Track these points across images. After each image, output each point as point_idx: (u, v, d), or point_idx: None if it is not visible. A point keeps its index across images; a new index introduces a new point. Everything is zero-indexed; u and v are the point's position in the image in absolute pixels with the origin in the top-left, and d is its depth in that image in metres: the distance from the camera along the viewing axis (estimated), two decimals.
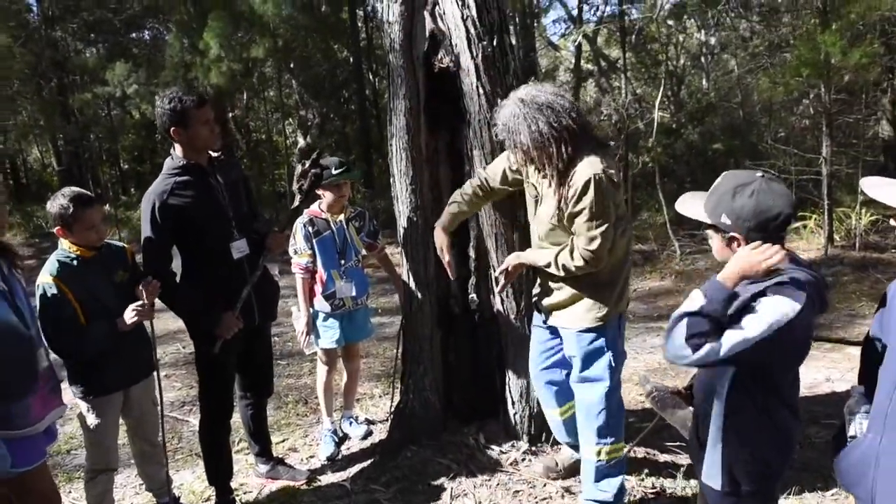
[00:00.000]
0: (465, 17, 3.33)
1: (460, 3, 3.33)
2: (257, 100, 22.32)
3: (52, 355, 2.74)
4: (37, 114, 15.76)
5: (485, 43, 3.33)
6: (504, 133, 2.82)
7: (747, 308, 1.92)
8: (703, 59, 17.53)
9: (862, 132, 9.70)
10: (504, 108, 2.82)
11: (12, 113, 16.17)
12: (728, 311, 1.93)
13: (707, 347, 1.87)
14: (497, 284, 3.33)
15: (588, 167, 2.70)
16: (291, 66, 17.11)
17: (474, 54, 3.34)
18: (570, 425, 3.36)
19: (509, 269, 3.14)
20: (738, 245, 2.01)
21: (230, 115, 18.38)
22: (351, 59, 18.52)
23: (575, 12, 17.69)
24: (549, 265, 2.92)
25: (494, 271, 3.56)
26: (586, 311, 2.96)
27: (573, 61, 19.39)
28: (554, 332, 3.21)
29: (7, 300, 2.35)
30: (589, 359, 3.03)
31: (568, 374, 3.22)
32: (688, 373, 2.45)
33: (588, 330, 2.98)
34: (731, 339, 1.87)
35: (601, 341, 3.00)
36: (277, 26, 11.28)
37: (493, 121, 3.34)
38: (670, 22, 15.58)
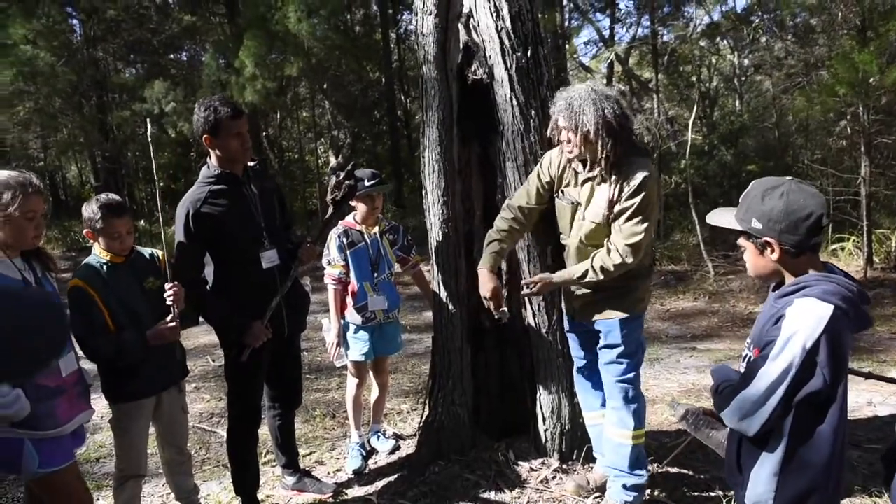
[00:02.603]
0: (499, 28, 3.33)
1: (495, 15, 3.33)
2: (290, 119, 22.67)
3: (83, 361, 2.76)
4: (76, 131, 16.13)
5: (519, 54, 3.33)
6: (565, 111, 2.84)
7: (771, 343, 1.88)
8: (736, 81, 17.40)
9: None
10: (569, 90, 2.89)
11: (54, 130, 16.59)
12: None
13: (759, 416, 1.87)
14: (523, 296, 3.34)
15: (644, 168, 2.84)
16: (325, 86, 17.38)
17: (508, 65, 3.33)
18: None
19: (535, 287, 3.12)
20: (773, 251, 1.94)
21: (263, 133, 18.68)
22: (383, 80, 18.73)
23: (607, 33, 17.72)
24: (586, 273, 2.95)
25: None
26: (627, 301, 3.07)
27: (605, 82, 19.37)
28: (587, 333, 3.25)
29: None
30: (628, 345, 3.09)
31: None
32: None
33: (629, 319, 3.08)
34: (767, 391, 1.85)
35: (638, 330, 3.13)
36: (312, 46, 11.45)
37: (526, 135, 3.36)
38: (703, 43, 15.53)
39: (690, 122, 9.84)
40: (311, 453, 4.38)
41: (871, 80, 7.56)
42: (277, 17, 10.33)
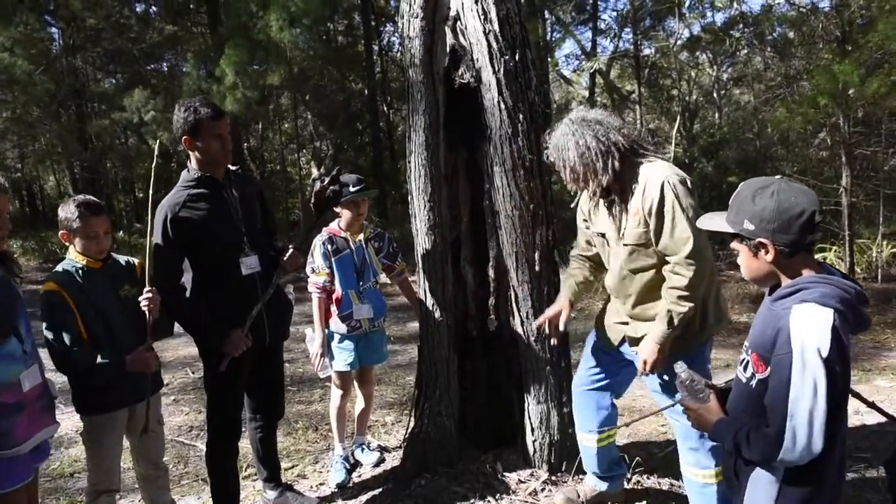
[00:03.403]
0: (487, 31, 3.27)
1: (483, 18, 3.28)
2: (272, 130, 22.54)
3: (48, 372, 2.64)
4: (54, 140, 15.91)
5: (507, 57, 3.28)
6: (554, 154, 2.80)
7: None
8: (715, 94, 17.58)
9: (881, 164, 9.58)
10: (554, 131, 2.83)
11: (31, 139, 16.34)
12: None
13: (815, 438, 1.76)
14: (643, 369, 2.88)
15: (656, 174, 2.67)
16: (307, 97, 17.29)
17: (496, 69, 3.28)
18: (604, 454, 3.24)
19: (653, 361, 2.81)
20: (766, 252, 1.88)
21: (245, 144, 18.54)
22: (366, 91, 18.68)
23: (589, 45, 17.85)
24: (670, 315, 2.69)
25: (513, 291, 3.46)
26: (690, 334, 2.80)
27: (586, 95, 19.49)
28: (619, 358, 3.09)
29: None
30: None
31: (615, 398, 3.17)
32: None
33: (689, 353, 2.74)
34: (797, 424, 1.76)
35: (702, 364, 2.86)
36: (294, 55, 11.38)
37: (514, 139, 3.30)
38: (682, 57, 15.67)
39: (673, 133, 9.88)
40: (293, 466, 4.26)
41: (851, 91, 7.63)
42: (259, 26, 10.26)
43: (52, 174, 22.45)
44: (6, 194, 2.42)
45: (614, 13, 17.55)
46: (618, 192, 2.78)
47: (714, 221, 2.05)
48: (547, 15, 18.09)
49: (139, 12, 16.68)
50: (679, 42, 12.23)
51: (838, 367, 1.74)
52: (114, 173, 19.08)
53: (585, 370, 3.25)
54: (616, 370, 3.16)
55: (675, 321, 2.69)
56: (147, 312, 2.88)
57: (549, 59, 17.58)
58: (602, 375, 3.19)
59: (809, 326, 1.75)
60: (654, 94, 18.36)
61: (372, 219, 14.92)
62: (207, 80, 11.55)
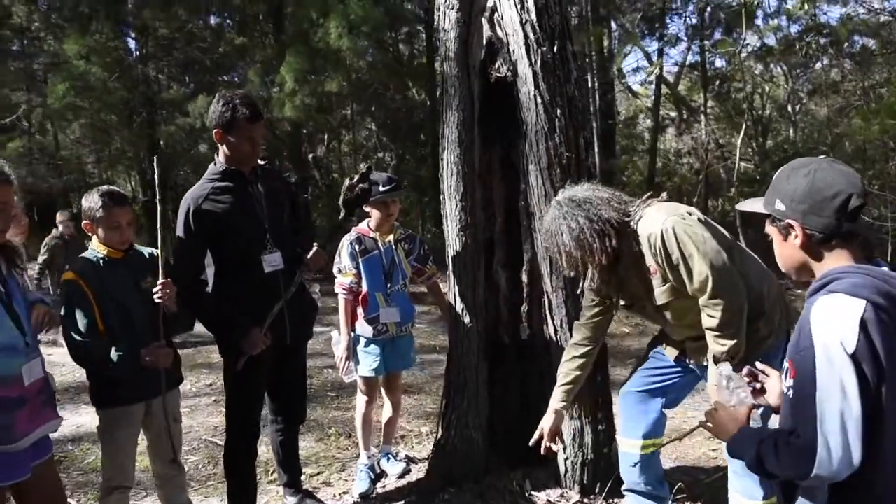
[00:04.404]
0: (524, 21, 3.11)
1: (519, 7, 3.11)
2: (337, 141, 22.85)
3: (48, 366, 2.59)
4: (126, 146, 16.48)
5: (544, 49, 3.10)
6: (548, 240, 2.68)
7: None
8: (790, 108, 16.83)
9: None
10: (545, 216, 2.72)
11: (106, 145, 16.97)
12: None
13: (852, 447, 1.49)
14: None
15: (652, 227, 2.53)
16: (373, 108, 17.41)
17: (533, 61, 3.11)
18: (647, 465, 2.97)
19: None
20: (796, 237, 1.63)
21: (311, 155, 18.83)
22: (428, 102, 18.70)
23: (655, 56, 17.38)
24: (717, 354, 2.51)
25: (547, 297, 3.26)
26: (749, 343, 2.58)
27: (652, 106, 18.98)
28: (678, 365, 2.89)
29: (3, 302, 2.22)
30: None
31: (664, 407, 2.95)
32: None
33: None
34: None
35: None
36: (353, 62, 11.46)
37: (550, 135, 3.12)
38: (756, 70, 15.07)
39: (738, 140, 9.45)
40: (319, 473, 4.14)
41: None
42: (320, 34, 10.36)
43: (128, 179, 23.30)
44: (9, 185, 2.35)
45: (683, 24, 16.98)
46: (628, 261, 2.62)
47: (754, 205, 1.83)
48: (613, 26, 17.76)
49: (213, 25, 17.20)
50: (748, 49, 11.74)
51: (870, 366, 1.46)
52: (184, 178, 19.63)
53: (639, 372, 3.04)
54: (672, 375, 2.93)
55: (725, 359, 2.47)
56: (161, 304, 2.80)
57: (615, 70, 17.16)
58: (656, 378, 2.96)
59: (832, 318, 1.49)
60: (724, 107, 17.75)
61: (431, 228, 14.87)
62: (269, 87, 11.74)
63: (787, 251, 1.69)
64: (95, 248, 2.87)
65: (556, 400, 2.96)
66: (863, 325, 1.46)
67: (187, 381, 6.47)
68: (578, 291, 3.14)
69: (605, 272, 2.65)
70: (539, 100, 3.11)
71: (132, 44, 16.17)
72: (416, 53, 19.26)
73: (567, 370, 2.95)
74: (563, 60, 3.15)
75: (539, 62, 3.10)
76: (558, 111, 3.11)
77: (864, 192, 1.59)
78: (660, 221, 2.52)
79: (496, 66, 3.28)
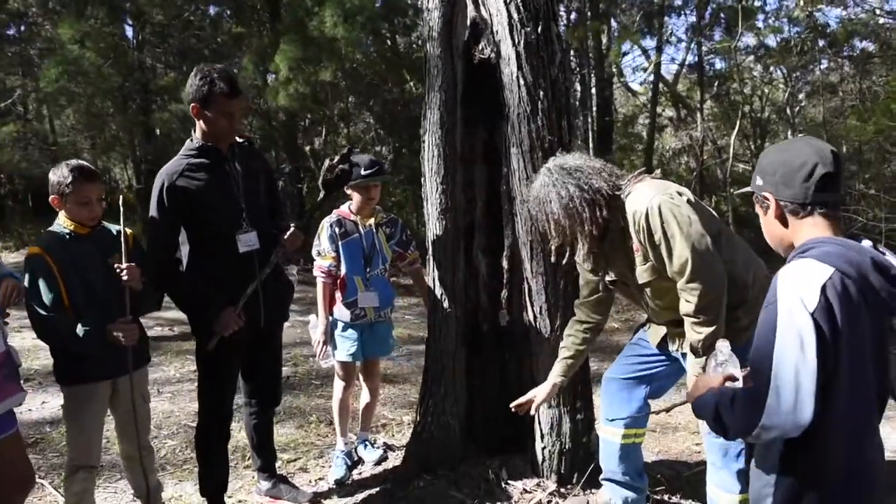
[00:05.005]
0: (508, 0, 3.04)
1: None
2: (335, 134, 22.75)
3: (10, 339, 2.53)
4: (120, 133, 16.36)
5: (528, 29, 3.04)
6: (535, 207, 2.56)
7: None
8: (788, 111, 16.78)
9: None
10: (534, 183, 2.61)
11: (99, 131, 16.84)
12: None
13: (802, 404, 1.50)
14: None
15: (639, 203, 2.44)
16: (371, 102, 17.28)
17: (516, 41, 3.04)
18: (627, 455, 2.92)
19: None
20: (769, 210, 1.69)
21: (308, 147, 18.72)
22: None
23: (653, 54, 17.29)
24: (696, 341, 2.44)
25: (527, 283, 3.20)
26: (730, 331, 2.49)
27: (649, 105, 18.91)
28: (663, 354, 2.82)
29: None
30: None
31: (649, 396, 2.88)
32: None
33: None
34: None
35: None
36: (349, 52, 11.35)
37: (533, 118, 3.06)
38: (756, 72, 15.00)
39: (732, 138, 9.40)
40: (297, 459, 4.09)
41: None
42: (315, 23, 10.27)
43: (123, 166, 23.12)
44: None
45: (682, 23, 16.90)
46: (614, 236, 2.55)
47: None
48: (614, 25, 17.66)
49: (212, 14, 17.07)
50: (746, 48, 11.71)
51: (828, 328, 1.48)
52: None
53: (623, 358, 2.97)
54: (656, 364, 2.86)
55: (701, 350, 2.42)
56: (126, 285, 2.73)
57: (611, 63, 17.03)
58: (640, 366, 2.89)
59: (797, 277, 1.53)
60: (722, 107, 17.69)
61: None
62: (263, 75, 11.62)
63: (769, 226, 1.74)
64: (62, 223, 2.80)
65: (556, 373, 2.88)
66: (823, 289, 1.49)
67: (171, 367, 6.43)
68: (559, 279, 3.09)
69: (592, 244, 2.56)
70: (522, 81, 3.05)
71: (129, 31, 16.06)
72: (415, 46, 19.18)
73: (570, 343, 2.87)
74: (548, 41, 3.09)
75: (522, 43, 3.04)
76: (541, 93, 3.05)
77: (835, 164, 1.63)
78: (647, 198, 2.43)
79: (480, 46, 3.22)
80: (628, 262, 2.59)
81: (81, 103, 15.23)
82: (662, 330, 2.76)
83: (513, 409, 2.92)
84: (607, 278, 2.73)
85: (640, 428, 2.93)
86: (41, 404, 5.13)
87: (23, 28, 17.55)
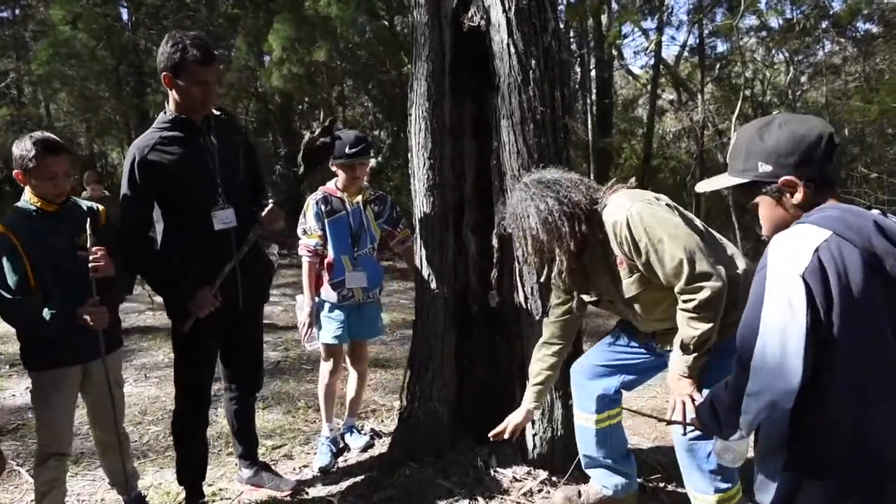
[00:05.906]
0: None
1: None
2: (332, 118, 22.57)
3: None
4: (115, 115, 16.19)
5: None
6: (512, 224, 2.44)
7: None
8: (790, 94, 16.58)
9: None
10: (510, 198, 2.50)
11: (94, 113, 16.66)
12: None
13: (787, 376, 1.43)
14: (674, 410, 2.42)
15: (618, 214, 2.33)
16: (370, 86, 17.09)
17: (507, 7, 2.89)
18: (603, 437, 2.80)
19: (687, 397, 2.35)
20: (794, 193, 1.54)
21: (308, 132, 18.61)
22: None
23: (653, 35, 17.05)
24: (690, 339, 2.30)
25: (518, 263, 3.06)
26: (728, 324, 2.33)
27: (649, 87, 18.70)
28: (642, 348, 2.71)
29: None
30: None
31: (623, 387, 2.76)
32: None
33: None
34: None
35: (722, 359, 2.31)
36: (343, 31, 11.15)
37: (524, 88, 2.90)
38: (758, 56, 14.79)
39: (733, 121, 9.24)
40: (282, 445, 3.98)
41: None
42: (309, 1, 10.07)
43: (119, 148, 22.92)
44: None
45: (684, 3, 16.69)
46: (594, 251, 2.44)
47: (716, 181, 1.76)
48: (614, 5, 17.40)
49: None
50: (745, 26, 11.51)
51: (819, 290, 1.39)
52: None
53: (601, 345, 2.85)
54: (637, 355, 2.73)
55: (692, 346, 2.28)
56: (93, 273, 2.58)
57: (609, 43, 16.78)
58: (619, 354, 2.76)
59: (790, 241, 1.44)
60: (724, 91, 17.49)
61: None
62: (256, 56, 11.45)
63: (780, 214, 1.59)
64: (28, 200, 2.66)
65: (528, 400, 2.81)
66: (817, 250, 1.40)
67: (160, 352, 6.30)
68: (542, 280, 2.94)
69: (571, 261, 2.44)
70: (512, 49, 2.89)
71: (124, 12, 15.84)
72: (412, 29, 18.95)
73: (538, 370, 2.79)
74: (540, 8, 2.93)
75: (513, 8, 2.88)
76: (533, 62, 2.90)
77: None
78: (625, 208, 2.32)
79: (469, 14, 3.06)
80: (612, 277, 2.46)
81: (75, 86, 15.02)
82: (650, 329, 2.63)
83: (491, 438, 2.84)
84: (587, 298, 2.63)
85: (612, 409, 2.80)
86: (25, 390, 5.00)
87: (17, 11, 17.32)
